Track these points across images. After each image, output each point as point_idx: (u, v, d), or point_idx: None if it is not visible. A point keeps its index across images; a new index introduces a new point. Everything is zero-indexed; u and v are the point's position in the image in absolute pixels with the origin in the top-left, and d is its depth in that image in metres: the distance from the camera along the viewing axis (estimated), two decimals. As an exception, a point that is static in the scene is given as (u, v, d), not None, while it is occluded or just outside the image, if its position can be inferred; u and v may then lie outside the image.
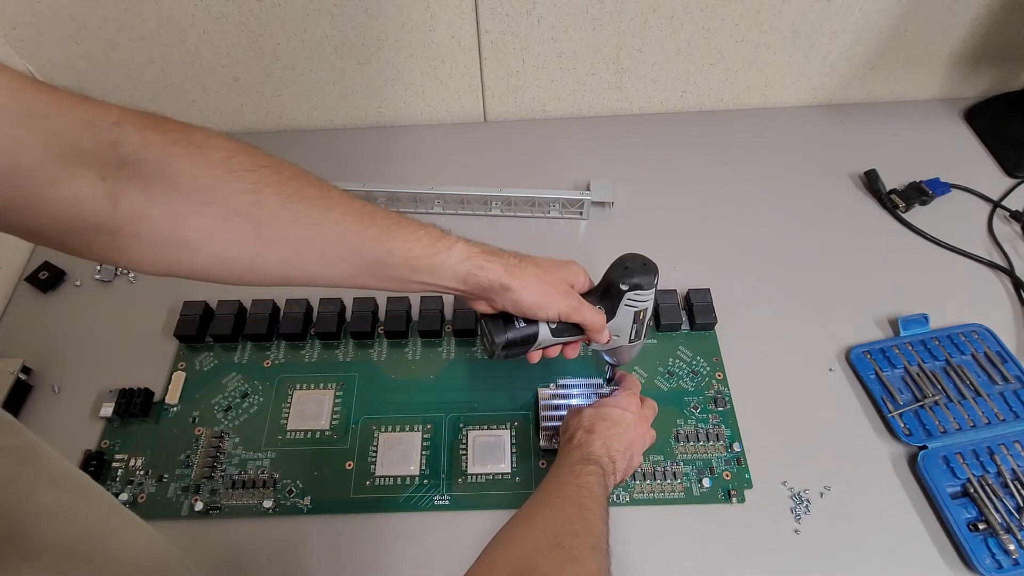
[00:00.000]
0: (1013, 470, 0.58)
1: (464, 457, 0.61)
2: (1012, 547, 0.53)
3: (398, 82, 0.85)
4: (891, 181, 0.79)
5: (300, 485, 0.60)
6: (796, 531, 0.57)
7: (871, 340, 0.67)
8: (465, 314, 0.68)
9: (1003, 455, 0.59)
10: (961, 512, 0.56)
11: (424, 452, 0.61)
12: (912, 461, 0.60)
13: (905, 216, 0.77)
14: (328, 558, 0.56)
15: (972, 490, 0.57)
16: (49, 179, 0.32)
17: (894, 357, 0.65)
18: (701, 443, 0.61)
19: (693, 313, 0.68)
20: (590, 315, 0.50)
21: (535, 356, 0.53)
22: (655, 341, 0.68)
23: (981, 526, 0.55)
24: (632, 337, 0.54)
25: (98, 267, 0.75)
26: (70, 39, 0.77)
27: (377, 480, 0.60)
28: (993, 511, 0.55)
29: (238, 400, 0.65)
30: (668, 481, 0.59)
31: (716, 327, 0.69)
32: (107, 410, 0.63)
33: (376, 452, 0.61)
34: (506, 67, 0.83)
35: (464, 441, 0.62)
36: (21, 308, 0.73)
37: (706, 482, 0.59)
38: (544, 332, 0.51)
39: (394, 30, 0.78)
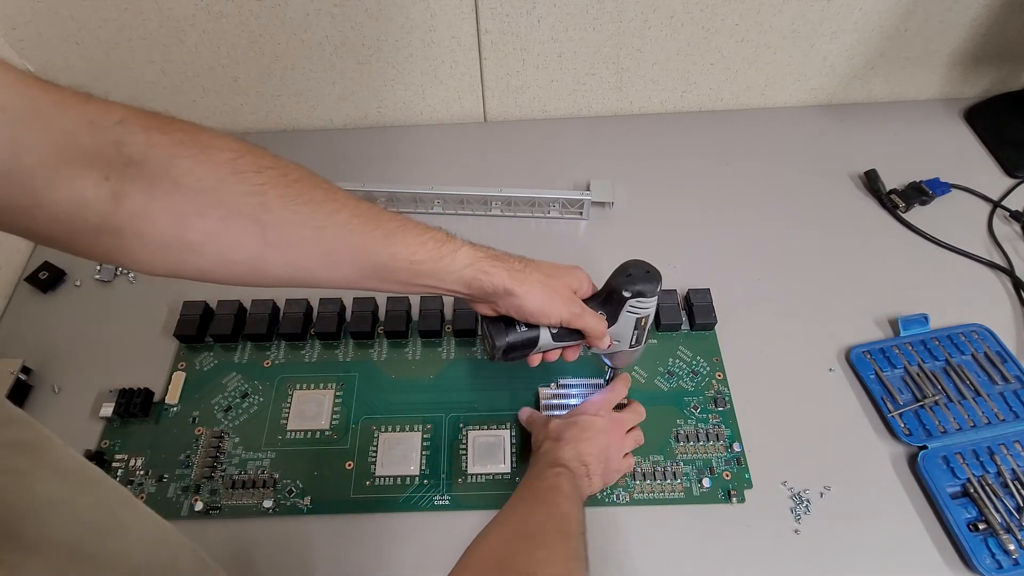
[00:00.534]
0: (1013, 470, 0.58)
1: (464, 457, 0.61)
2: (1012, 547, 0.53)
3: (398, 82, 0.85)
4: (891, 181, 0.79)
5: (300, 485, 0.60)
6: (796, 531, 0.57)
7: (871, 340, 0.67)
8: (465, 314, 0.68)
9: (1003, 455, 0.59)
10: (961, 512, 0.56)
11: (424, 452, 0.61)
12: (912, 461, 0.60)
13: (905, 216, 0.77)
14: (328, 558, 0.56)
15: (972, 490, 0.57)
16: (51, 180, 0.32)
17: (894, 357, 0.65)
18: (701, 443, 0.61)
19: (693, 313, 0.68)
20: (592, 322, 0.50)
21: (535, 359, 0.53)
22: (655, 341, 0.68)
23: (981, 526, 0.55)
24: (633, 343, 0.54)
25: (98, 267, 0.75)
26: (70, 39, 0.77)
27: (377, 480, 0.60)
28: (993, 511, 0.55)
29: (238, 400, 0.65)
30: (668, 481, 0.59)
31: (716, 327, 0.69)
32: (107, 410, 0.63)
33: (376, 452, 0.61)
34: (506, 67, 0.83)
35: (464, 441, 0.62)
36: (21, 308, 0.73)
37: (706, 482, 0.59)
38: (545, 337, 0.51)
39: (394, 30, 0.78)
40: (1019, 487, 0.57)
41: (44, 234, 0.34)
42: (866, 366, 0.65)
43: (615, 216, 0.79)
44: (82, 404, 0.65)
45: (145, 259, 0.37)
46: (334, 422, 0.63)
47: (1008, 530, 0.54)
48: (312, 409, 0.64)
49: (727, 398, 0.64)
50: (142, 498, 0.59)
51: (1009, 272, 0.72)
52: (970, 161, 0.83)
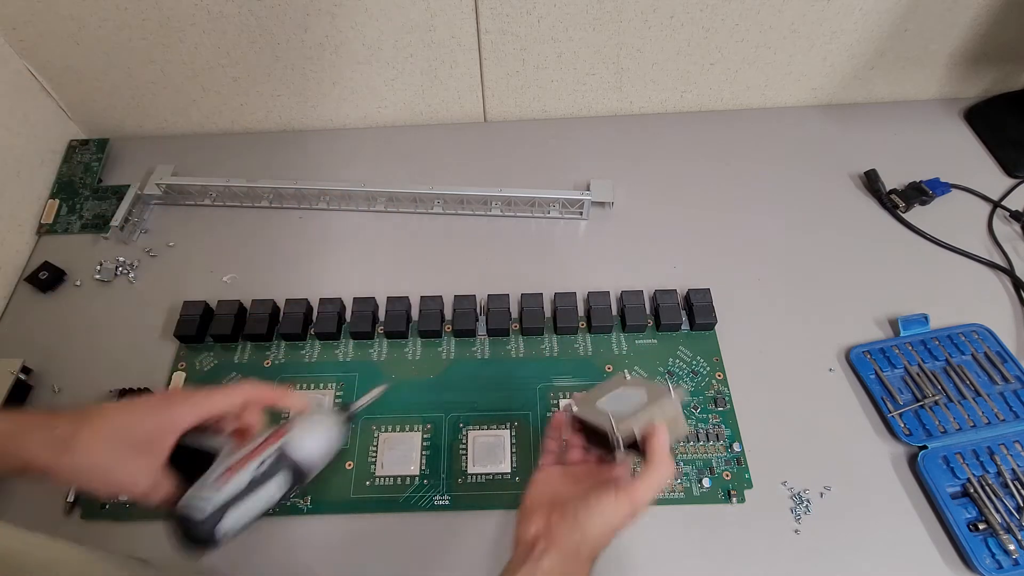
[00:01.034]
0: (1013, 470, 0.58)
1: (464, 457, 0.61)
2: (1012, 547, 0.53)
3: (398, 82, 0.85)
4: (891, 181, 0.79)
5: (300, 485, 0.60)
6: (796, 531, 0.57)
7: (871, 340, 0.67)
8: (465, 314, 0.68)
9: (1003, 455, 0.59)
10: (961, 512, 0.56)
11: (424, 452, 0.61)
12: (912, 461, 0.60)
13: (905, 216, 0.77)
14: (328, 558, 0.56)
15: (972, 490, 0.57)
16: None
17: (894, 357, 0.65)
18: (701, 443, 0.61)
19: (693, 313, 0.68)
20: None
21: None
22: (655, 341, 0.68)
23: (981, 526, 0.55)
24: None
25: (98, 267, 0.75)
26: (70, 39, 0.77)
27: (377, 480, 0.60)
28: (993, 511, 0.55)
29: (238, 400, 0.65)
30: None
31: (716, 327, 0.69)
32: (107, 410, 0.63)
33: (376, 452, 0.61)
34: (506, 67, 0.83)
35: (464, 441, 0.62)
36: (21, 308, 0.73)
37: (706, 482, 0.59)
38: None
39: (394, 30, 0.78)
40: (1019, 487, 0.57)
41: None
42: (866, 366, 0.65)
43: (615, 216, 0.79)
44: (82, 404, 0.65)
45: None
46: (334, 422, 0.63)
47: (1008, 530, 0.54)
48: (312, 409, 0.64)
49: (727, 398, 0.64)
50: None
51: (1009, 272, 0.72)
52: (970, 161, 0.83)
